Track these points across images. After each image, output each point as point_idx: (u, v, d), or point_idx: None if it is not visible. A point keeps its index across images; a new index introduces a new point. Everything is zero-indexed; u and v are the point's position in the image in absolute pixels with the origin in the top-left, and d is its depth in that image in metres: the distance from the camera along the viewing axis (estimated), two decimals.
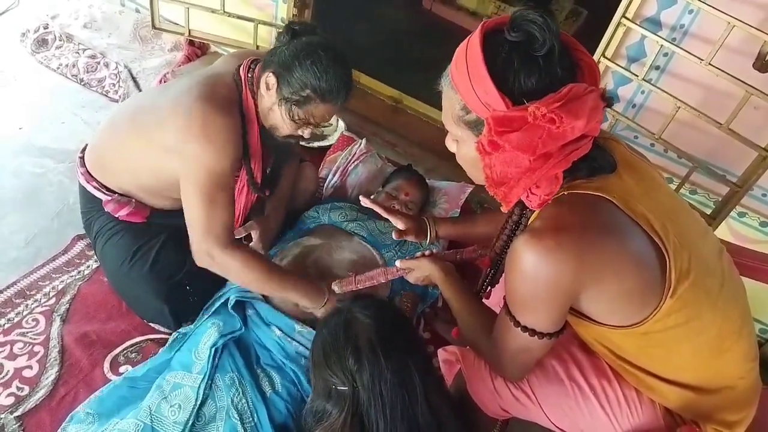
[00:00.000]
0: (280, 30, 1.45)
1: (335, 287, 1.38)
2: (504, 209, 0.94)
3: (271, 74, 1.37)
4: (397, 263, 1.31)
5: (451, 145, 0.99)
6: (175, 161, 1.38)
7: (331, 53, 1.36)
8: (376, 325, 1.06)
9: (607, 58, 1.81)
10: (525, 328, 0.95)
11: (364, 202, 1.38)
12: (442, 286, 1.24)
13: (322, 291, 1.47)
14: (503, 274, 1.12)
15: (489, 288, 1.21)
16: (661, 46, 1.71)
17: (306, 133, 1.45)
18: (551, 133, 0.79)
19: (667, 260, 0.88)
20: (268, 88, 1.39)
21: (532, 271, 0.87)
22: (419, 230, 1.39)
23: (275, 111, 1.41)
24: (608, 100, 0.84)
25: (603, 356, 1.08)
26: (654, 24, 1.74)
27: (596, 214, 0.88)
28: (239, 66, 1.45)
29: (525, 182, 0.86)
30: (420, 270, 1.28)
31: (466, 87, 0.85)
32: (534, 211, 0.97)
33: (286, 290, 1.45)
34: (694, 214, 1.04)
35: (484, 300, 1.22)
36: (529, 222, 1.00)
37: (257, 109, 1.45)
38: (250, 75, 1.43)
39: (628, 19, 1.72)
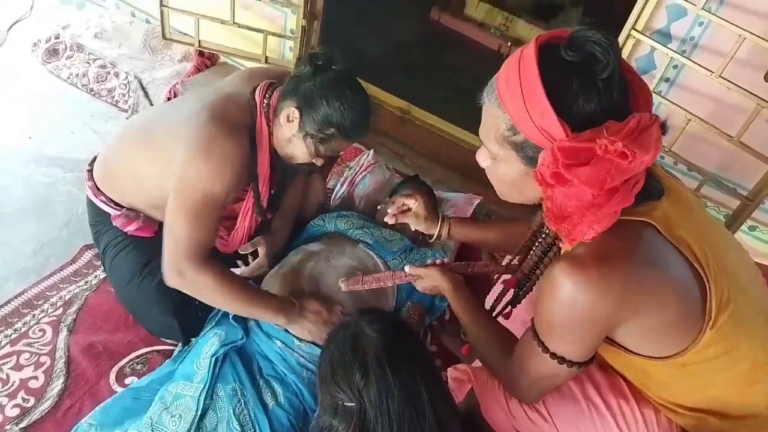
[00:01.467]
0: (293, 49, 1.45)
1: (342, 285, 1.35)
2: (567, 246, 0.87)
3: (294, 109, 1.37)
4: (406, 268, 1.28)
5: (483, 161, 0.94)
6: (175, 177, 1.37)
7: (355, 90, 1.37)
8: (383, 339, 1.05)
9: None
10: (554, 356, 0.92)
11: (389, 219, 1.40)
12: (452, 299, 1.22)
13: (294, 307, 1.45)
14: (528, 294, 1.11)
15: (510, 308, 1.17)
16: (671, 58, 1.70)
17: (320, 161, 1.47)
18: (620, 168, 0.75)
19: (708, 290, 0.85)
20: (289, 120, 1.39)
21: (570, 302, 0.84)
22: (431, 223, 1.38)
23: (294, 143, 1.42)
24: (665, 128, 0.81)
25: (626, 379, 1.06)
26: (664, 36, 1.73)
27: (640, 242, 0.84)
28: (254, 88, 1.45)
29: (590, 219, 0.80)
30: (429, 279, 1.26)
31: (518, 107, 0.81)
32: None
33: (256, 309, 1.43)
34: (728, 235, 1.02)
35: (501, 319, 1.20)
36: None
37: (271, 136, 1.45)
38: (266, 101, 1.43)
39: (637, 31, 1.72)
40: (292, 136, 1.41)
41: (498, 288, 1.26)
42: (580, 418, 1.05)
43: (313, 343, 1.45)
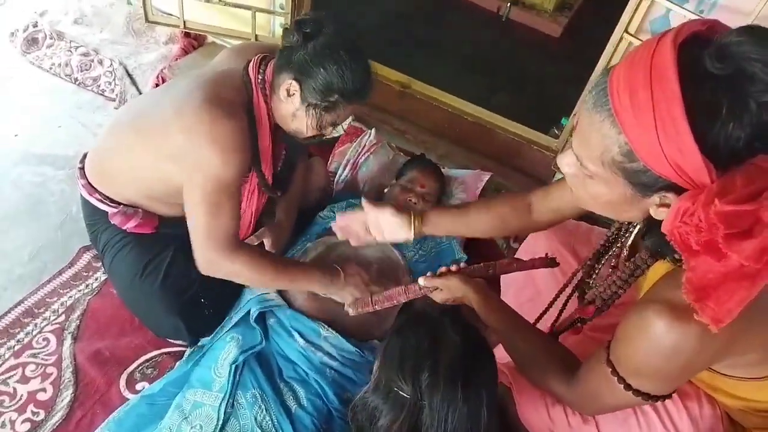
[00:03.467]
0: (284, 26, 1.36)
1: (350, 309, 1.29)
2: (713, 328, 0.68)
3: (292, 81, 1.30)
4: (421, 281, 1.15)
5: (568, 168, 0.80)
6: (181, 168, 1.31)
7: (350, 50, 1.29)
8: (464, 347, 0.97)
9: (630, 33, 1.70)
10: (637, 392, 0.84)
11: (366, 204, 1.26)
12: (482, 311, 1.10)
13: (337, 271, 1.42)
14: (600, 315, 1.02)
15: (581, 326, 1.06)
16: (688, 20, 1.60)
17: (328, 132, 1.41)
18: None
19: None
20: (289, 95, 1.32)
21: (669, 351, 0.75)
22: (398, 225, 1.20)
23: (299, 117, 1.35)
24: None
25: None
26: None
27: None
28: (247, 64, 1.37)
29: (742, 295, 0.65)
30: (449, 290, 1.13)
31: (645, 134, 0.64)
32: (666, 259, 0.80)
33: (298, 281, 1.41)
34: None
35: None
36: (660, 276, 0.83)
37: (270, 111, 1.38)
38: (260, 76, 1.35)
39: (630, 34, 1.62)
40: (295, 111, 1.34)
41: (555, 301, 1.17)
42: (624, 420, 1.00)
43: (343, 336, 1.40)
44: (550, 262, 1.13)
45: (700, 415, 0.98)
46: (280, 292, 1.51)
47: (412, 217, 1.20)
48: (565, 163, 0.81)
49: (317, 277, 1.41)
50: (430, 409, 0.92)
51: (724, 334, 0.71)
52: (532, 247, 1.38)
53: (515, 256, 1.25)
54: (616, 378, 0.85)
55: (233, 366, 1.34)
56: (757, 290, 0.64)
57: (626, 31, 1.70)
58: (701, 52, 0.63)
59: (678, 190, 0.68)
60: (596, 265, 1.04)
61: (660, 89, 0.62)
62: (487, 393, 0.95)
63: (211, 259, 1.32)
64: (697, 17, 1.58)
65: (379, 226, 1.24)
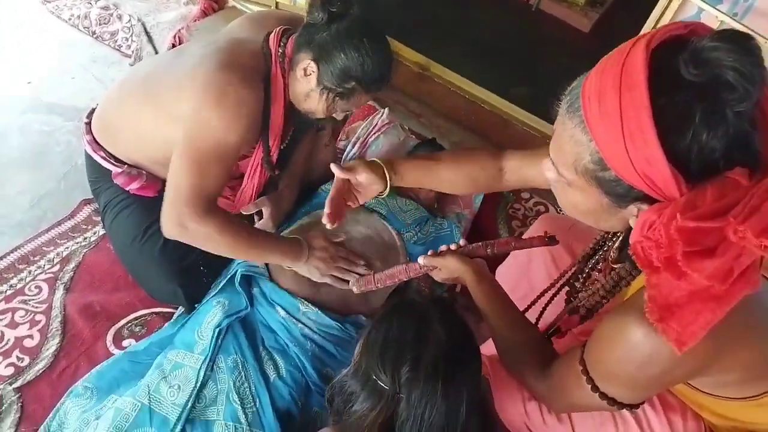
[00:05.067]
0: (311, 3, 1.32)
1: (353, 288, 1.27)
2: (677, 350, 0.64)
3: (311, 62, 1.27)
4: (420, 260, 1.15)
5: (549, 174, 0.76)
6: (184, 128, 1.28)
7: (374, 38, 1.25)
8: (449, 344, 0.94)
9: None
10: (604, 396, 0.81)
11: (336, 170, 1.19)
12: (475, 291, 1.07)
13: (301, 246, 1.39)
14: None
15: (565, 332, 1.03)
16: (721, 21, 1.54)
17: (340, 116, 1.38)
18: (750, 254, 0.58)
19: None
20: (306, 74, 1.29)
21: (641, 359, 0.71)
22: (372, 181, 1.14)
23: (312, 98, 1.32)
24: None
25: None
26: None
27: (739, 304, 0.66)
28: (267, 36, 1.33)
29: (707, 317, 0.60)
30: (447, 270, 1.12)
31: (613, 143, 0.61)
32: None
33: (263, 252, 1.38)
34: None
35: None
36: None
37: (286, 88, 1.34)
38: (281, 50, 1.31)
39: None
40: (310, 91, 1.31)
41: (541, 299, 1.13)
42: (601, 424, 0.98)
43: (321, 310, 1.38)
44: (549, 240, 1.10)
45: (684, 430, 0.95)
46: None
47: (384, 169, 1.16)
48: (546, 168, 0.77)
49: (285, 249, 1.38)
50: (407, 403, 0.90)
51: (702, 352, 0.67)
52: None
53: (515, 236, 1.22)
54: (585, 378, 0.82)
55: (216, 329, 1.33)
56: (722, 313, 0.61)
57: None
58: (676, 58, 0.59)
59: (652, 201, 0.65)
60: (585, 268, 1.01)
61: (629, 96, 0.59)
62: (468, 392, 0.93)
63: (181, 216, 1.26)
64: (731, 19, 1.52)
65: (357, 188, 1.20)
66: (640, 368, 0.73)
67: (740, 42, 0.58)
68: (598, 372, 0.81)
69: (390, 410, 0.91)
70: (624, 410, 0.91)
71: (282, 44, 1.32)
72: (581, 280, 1.01)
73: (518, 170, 1.16)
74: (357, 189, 1.20)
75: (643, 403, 0.84)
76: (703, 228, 0.57)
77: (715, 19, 1.55)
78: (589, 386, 0.82)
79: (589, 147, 0.65)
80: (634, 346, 0.71)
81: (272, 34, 1.33)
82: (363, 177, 1.15)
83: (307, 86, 1.31)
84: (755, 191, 0.58)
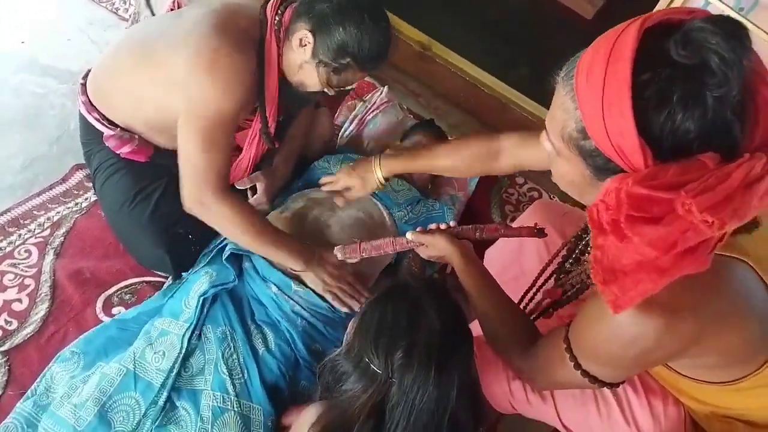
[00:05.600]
0: None
1: (338, 253, 1.28)
2: (612, 312, 0.66)
3: (308, 33, 1.25)
4: (408, 235, 1.17)
5: (546, 146, 0.79)
6: (180, 96, 1.27)
7: (374, 15, 1.23)
8: (443, 331, 0.94)
9: None
10: (586, 373, 0.83)
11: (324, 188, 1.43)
12: (462, 273, 1.09)
13: (312, 254, 1.39)
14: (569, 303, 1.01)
15: (552, 312, 1.05)
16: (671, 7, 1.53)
17: (332, 92, 1.36)
18: (699, 231, 0.58)
19: None
20: (301, 45, 1.27)
21: (626, 341, 0.73)
22: (364, 181, 1.34)
23: (306, 70, 1.30)
24: None
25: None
26: None
27: (722, 288, 0.71)
28: (265, 3, 1.31)
29: (646, 286, 0.62)
30: (435, 248, 1.14)
31: (594, 112, 0.64)
32: None
33: (276, 248, 1.36)
34: None
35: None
36: None
37: (280, 57, 1.33)
38: (277, 18, 1.29)
39: None
40: (303, 62, 1.29)
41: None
42: (582, 404, 1.00)
43: (313, 290, 1.39)
44: (537, 232, 1.11)
45: (664, 414, 0.97)
46: None
47: (374, 164, 1.30)
48: (543, 138, 0.80)
49: (297, 248, 1.37)
50: (398, 388, 0.91)
51: (686, 333, 0.70)
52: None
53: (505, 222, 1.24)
54: (569, 356, 0.84)
55: (201, 298, 1.33)
56: (662, 285, 0.62)
57: None
58: (669, 38, 0.60)
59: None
60: (575, 249, 1.02)
61: (613, 69, 0.61)
62: (459, 375, 0.94)
63: (202, 198, 1.29)
64: (737, 14, 1.51)
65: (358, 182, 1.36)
66: (623, 348, 0.75)
67: (727, 27, 0.59)
68: (582, 350, 0.83)
69: (381, 394, 0.92)
70: (605, 390, 0.94)
71: (279, 12, 1.30)
72: (571, 262, 1.03)
73: (514, 152, 1.18)
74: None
75: (623, 382, 0.86)
76: (654, 197, 0.59)
77: (721, 12, 1.54)
78: (572, 364, 0.84)
79: (575, 115, 0.68)
80: (620, 325, 0.73)
81: (270, 2, 1.31)
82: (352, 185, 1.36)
83: (301, 57, 1.29)
84: (715, 173, 0.59)
